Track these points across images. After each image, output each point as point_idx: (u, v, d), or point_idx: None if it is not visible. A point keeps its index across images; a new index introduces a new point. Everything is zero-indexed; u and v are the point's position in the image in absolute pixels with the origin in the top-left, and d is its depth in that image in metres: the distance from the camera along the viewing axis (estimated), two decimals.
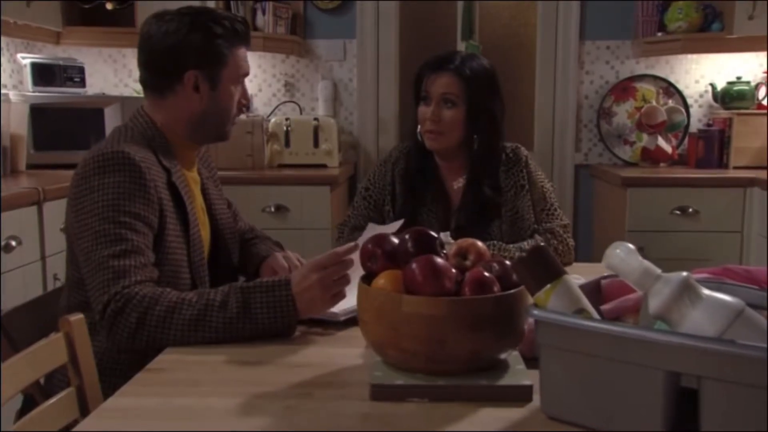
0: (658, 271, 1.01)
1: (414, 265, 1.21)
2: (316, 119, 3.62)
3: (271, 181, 3.38)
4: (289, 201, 3.33)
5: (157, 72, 1.64)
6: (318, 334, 1.46)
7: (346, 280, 1.44)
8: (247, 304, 1.38)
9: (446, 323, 1.14)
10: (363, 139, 3.98)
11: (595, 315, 1.09)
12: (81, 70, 3.57)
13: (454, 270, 1.23)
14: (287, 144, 3.59)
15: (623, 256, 1.03)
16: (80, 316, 1.32)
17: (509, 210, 2.04)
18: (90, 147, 3.21)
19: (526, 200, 2.05)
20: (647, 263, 1.01)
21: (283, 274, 1.68)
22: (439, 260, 1.22)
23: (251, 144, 3.48)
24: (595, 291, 1.27)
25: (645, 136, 3.71)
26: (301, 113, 3.86)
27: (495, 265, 1.28)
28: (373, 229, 1.75)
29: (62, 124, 3.31)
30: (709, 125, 3.64)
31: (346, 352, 1.34)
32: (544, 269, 1.11)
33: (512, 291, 1.20)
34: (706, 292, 0.97)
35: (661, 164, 3.62)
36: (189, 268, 1.60)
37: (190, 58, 1.61)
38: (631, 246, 1.04)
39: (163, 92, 1.64)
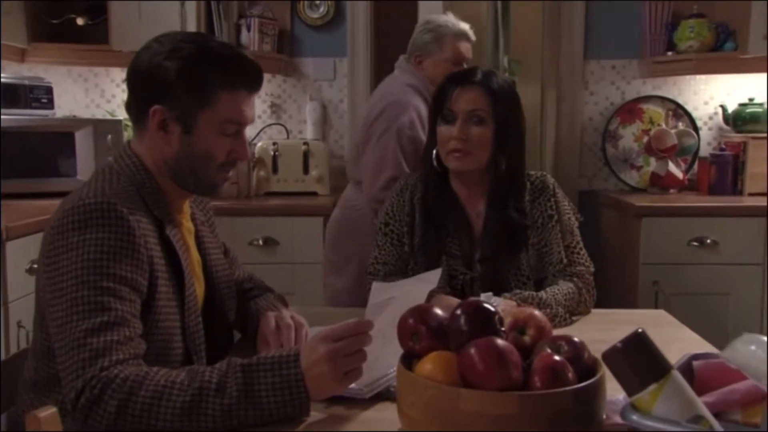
0: None
1: (473, 350, 1.00)
2: (305, 143, 3.38)
3: (259, 211, 3.13)
4: (278, 233, 3.09)
5: (132, 100, 1.41)
6: (340, 416, 1.23)
7: (362, 357, 1.21)
8: (250, 385, 1.17)
9: (518, 424, 0.96)
10: None
11: (717, 425, 0.87)
12: (49, 91, 3.30)
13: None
14: (275, 170, 3.35)
15: (761, 355, 0.81)
16: (52, 410, 1.06)
17: (537, 242, 1.88)
18: (59, 174, 3.09)
19: (555, 231, 1.89)
20: None
21: (274, 342, 1.47)
22: (502, 343, 1.01)
23: (236, 170, 3.20)
24: (686, 375, 1.06)
25: (653, 161, 3.52)
26: (288, 137, 3.61)
27: (563, 344, 1.08)
28: (380, 291, 1.54)
29: (28, 150, 3.04)
30: (722, 149, 3.45)
31: None
32: (649, 363, 0.90)
33: (592, 381, 1.00)
34: None
35: (671, 190, 3.42)
36: (182, 335, 1.37)
37: (155, 90, 1.35)
38: (765, 339, 0.82)
39: (139, 125, 1.41)
